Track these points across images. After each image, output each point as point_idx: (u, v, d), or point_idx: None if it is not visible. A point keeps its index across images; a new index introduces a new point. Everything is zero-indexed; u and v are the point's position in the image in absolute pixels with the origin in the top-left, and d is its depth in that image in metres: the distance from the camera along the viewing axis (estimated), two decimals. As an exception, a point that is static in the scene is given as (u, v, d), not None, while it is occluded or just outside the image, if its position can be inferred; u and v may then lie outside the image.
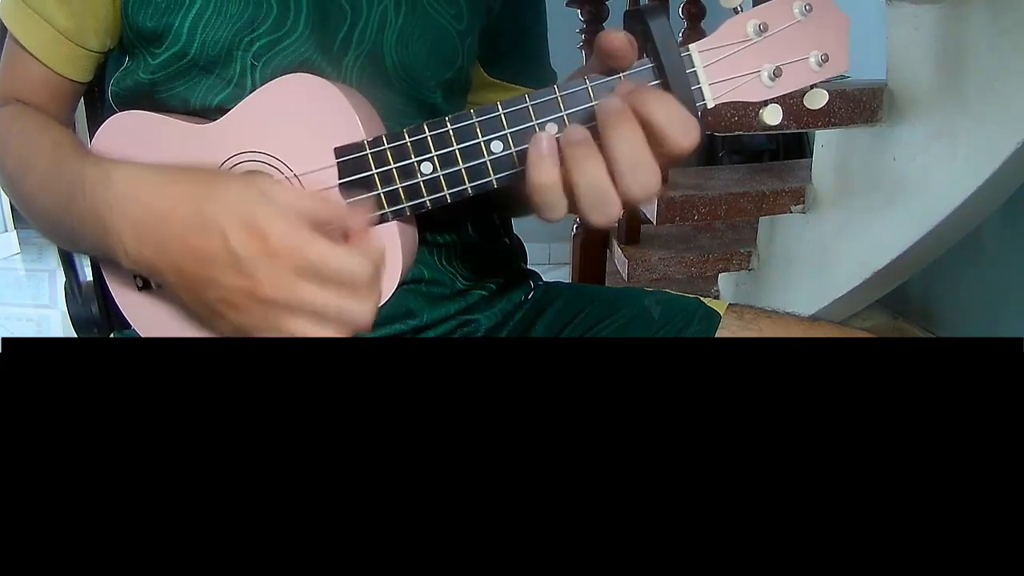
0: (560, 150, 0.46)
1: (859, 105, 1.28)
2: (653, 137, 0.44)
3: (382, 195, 0.51)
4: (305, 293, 0.46)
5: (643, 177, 0.45)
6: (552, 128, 0.48)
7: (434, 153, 0.50)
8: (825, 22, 0.47)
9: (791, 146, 2.54)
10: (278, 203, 0.46)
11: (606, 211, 0.45)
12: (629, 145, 0.44)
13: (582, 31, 1.51)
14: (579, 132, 0.46)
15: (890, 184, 1.28)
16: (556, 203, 0.46)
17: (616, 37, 0.46)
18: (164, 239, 0.47)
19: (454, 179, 0.50)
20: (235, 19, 0.56)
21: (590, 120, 0.48)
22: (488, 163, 0.50)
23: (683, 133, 0.44)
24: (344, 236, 0.48)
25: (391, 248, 0.53)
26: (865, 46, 1.11)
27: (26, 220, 0.59)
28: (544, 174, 0.46)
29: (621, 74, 0.48)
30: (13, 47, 0.60)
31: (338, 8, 0.58)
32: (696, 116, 0.47)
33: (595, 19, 1.47)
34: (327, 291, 0.46)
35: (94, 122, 0.70)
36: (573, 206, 0.46)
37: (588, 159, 0.45)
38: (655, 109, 0.44)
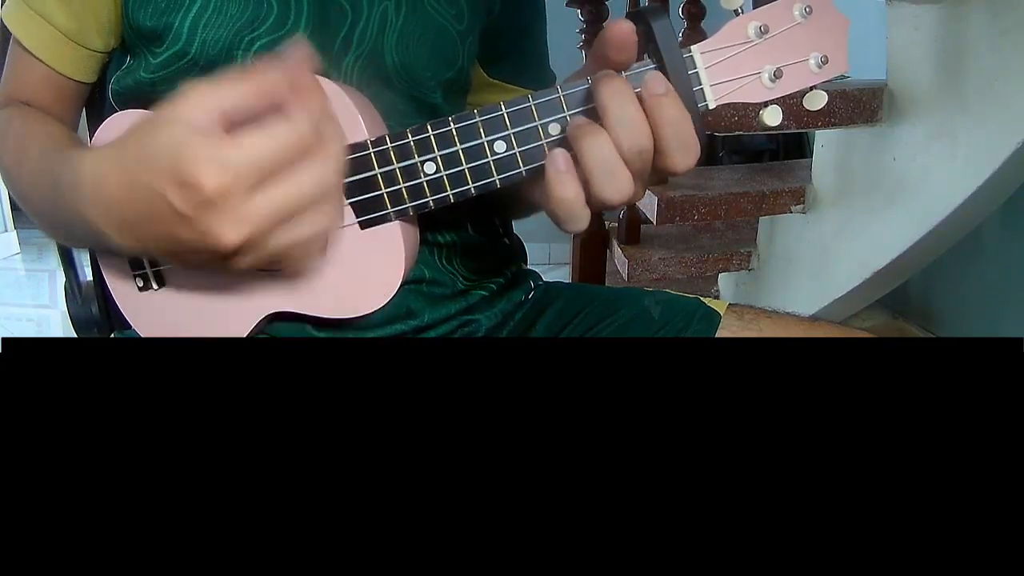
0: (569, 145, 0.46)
1: (859, 105, 1.28)
2: (655, 145, 0.45)
3: (385, 195, 0.51)
4: (263, 204, 0.42)
5: (611, 181, 0.45)
6: (555, 128, 0.48)
7: (437, 153, 0.50)
8: (825, 24, 0.47)
9: (791, 146, 2.54)
10: (194, 140, 0.41)
11: (618, 185, 0.45)
12: (598, 150, 0.45)
13: (582, 31, 1.51)
14: (578, 119, 0.47)
15: (890, 184, 1.29)
16: (579, 214, 0.46)
17: (622, 27, 0.46)
18: (130, 219, 0.45)
19: (457, 179, 0.50)
20: (235, 19, 0.56)
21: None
22: (491, 163, 0.50)
23: (683, 153, 0.45)
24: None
25: (394, 248, 0.54)
26: (865, 46, 1.11)
27: (26, 220, 0.59)
28: (565, 188, 0.45)
29: (623, 74, 0.48)
30: (16, 49, 0.60)
31: (338, 8, 0.58)
32: (698, 117, 0.47)
33: (595, 19, 1.47)
34: (281, 183, 0.42)
35: (94, 121, 0.70)
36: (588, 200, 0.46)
37: (594, 137, 0.45)
38: (666, 121, 0.45)
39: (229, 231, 0.42)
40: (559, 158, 0.45)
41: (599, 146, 0.45)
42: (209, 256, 0.44)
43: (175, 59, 0.57)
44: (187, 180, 0.41)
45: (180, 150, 0.41)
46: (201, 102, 0.42)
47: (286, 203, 0.42)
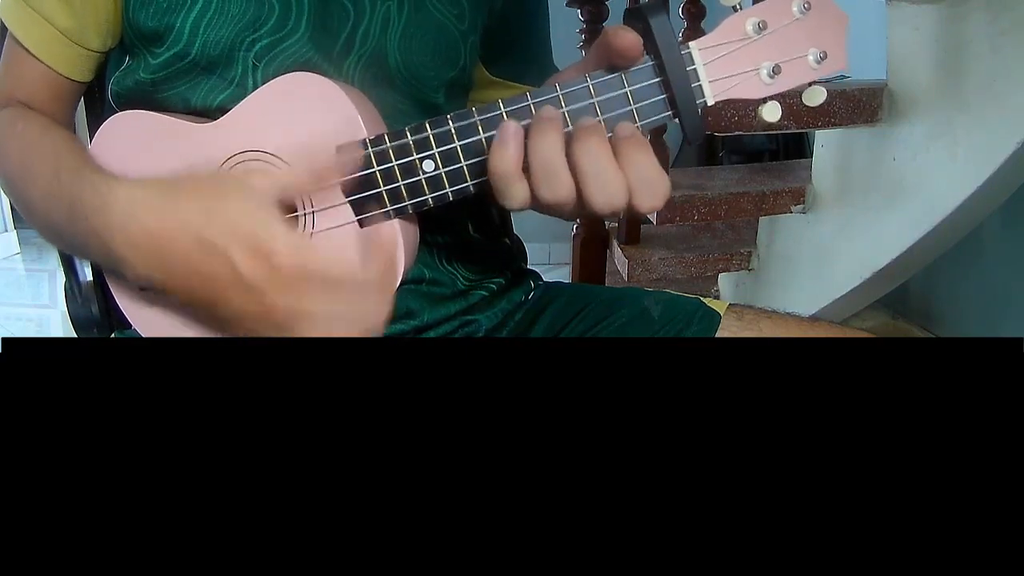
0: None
1: (859, 105, 1.28)
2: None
3: (384, 193, 0.51)
4: (316, 303, 0.46)
5: (604, 186, 0.46)
6: (510, 120, 0.48)
7: (436, 150, 0.50)
8: (823, 20, 0.47)
9: (791, 146, 2.54)
10: (275, 215, 0.46)
11: (555, 189, 0.46)
12: (593, 155, 0.45)
13: (582, 31, 1.51)
14: (547, 111, 0.47)
15: (890, 184, 1.29)
16: (515, 189, 0.47)
17: (627, 35, 0.46)
18: (169, 264, 0.47)
19: (456, 176, 0.50)
20: (237, 19, 0.56)
21: (591, 116, 0.48)
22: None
23: (649, 195, 0.46)
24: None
25: (393, 247, 0.53)
26: (865, 46, 1.11)
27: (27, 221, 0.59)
28: (502, 161, 0.47)
29: (621, 72, 0.48)
30: (14, 47, 0.60)
31: (341, 8, 0.58)
32: (698, 114, 0.47)
33: (595, 19, 1.47)
34: (336, 297, 0.46)
35: (94, 122, 0.70)
36: (533, 197, 0.47)
37: (545, 133, 0.46)
38: (631, 164, 0.46)
39: (281, 303, 0.46)
40: (508, 130, 0.47)
41: (547, 149, 0.46)
42: (241, 316, 0.47)
43: (176, 59, 0.56)
44: (261, 250, 0.45)
45: (262, 220, 0.45)
46: (272, 181, 0.47)
47: (328, 312, 0.47)
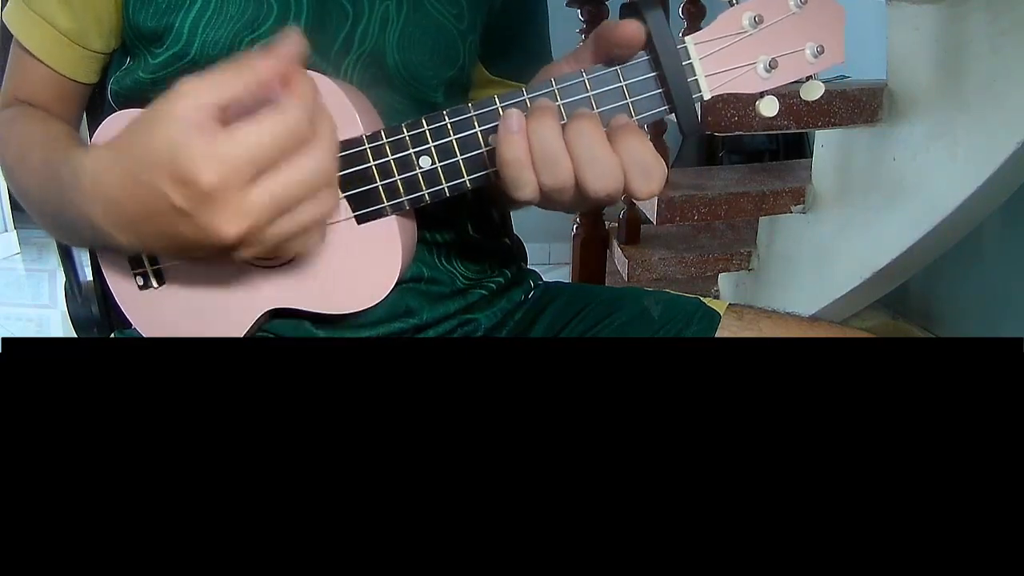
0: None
1: (859, 105, 1.28)
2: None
3: (380, 188, 0.51)
4: (263, 197, 0.43)
5: (600, 170, 0.46)
6: (512, 110, 0.48)
7: (431, 145, 0.50)
8: (820, 14, 0.47)
9: (791, 146, 2.54)
10: (189, 135, 0.42)
11: (557, 174, 0.46)
12: (587, 138, 0.46)
13: (582, 31, 1.51)
14: (542, 101, 0.48)
15: (890, 184, 1.29)
16: (526, 179, 0.47)
17: (629, 26, 0.46)
18: (129, 216, 0.45)
19: (452, 172, 0.51)
20: (236, 19, 0.56)
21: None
22: (486, 155, 0.50)
23: (644, 179, 0.47)
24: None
25: (391, 244, 0.53)
26: (865, 46, 1.11)
27: (26, 220, 0.59)
28: (513, 149, 0.46)
29: (617, 66, 0.48)
30: (18, 51, 0.60)
31: (339, 8, 0.58)
32: (694, 108, 0.47)
33: (595, 19, 1.47)
34: (278, 174, 0.43)
35: (94, 122, 0.70)
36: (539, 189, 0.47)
37: (543, 119, 0.46)
38: (625, 148, 0.46)
39: (228, 225, 0.43)
40: (513, 119, 0.47)
41: (546, 135, 0.46)
42: (210, 250, 0.44)
43: (175, 59, 0.57)
44: (185, 176, 0.41)
45: (176, 147, 0.42)
46: (194, 97, 0.43)
47: (283, 193, 0.43)
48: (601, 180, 0.46)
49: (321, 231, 0.47)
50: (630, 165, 0.46)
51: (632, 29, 0.46)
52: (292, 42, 0.44)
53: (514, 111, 0.47)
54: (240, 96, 0.43)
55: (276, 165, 0.43)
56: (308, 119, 0.43)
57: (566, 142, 0.46)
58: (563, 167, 0.46)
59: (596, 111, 0.48)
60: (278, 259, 0.54)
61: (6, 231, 3.26)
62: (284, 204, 0.44)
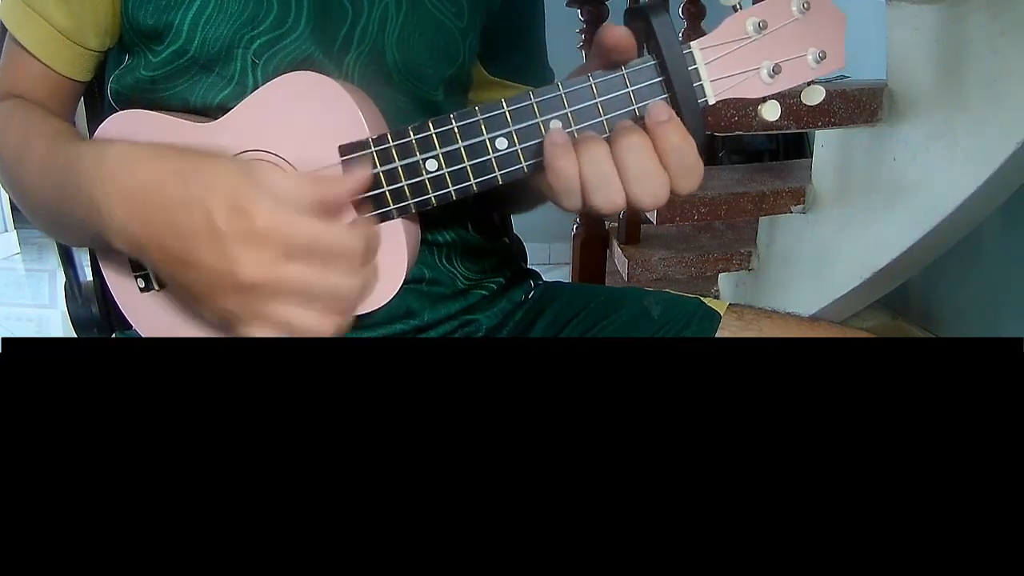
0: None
1: (859, 105, 1.28)
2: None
3: (387, 193, 0.51)
4: (291, 272, 0.45)
5: (649, 184, 0.47)
6: (557, 125, 0.49)
7: (439, 150, 0.50)
8: (822, 20, 0.48)
9: (791, 146, 2.54)
10: (267, 184, 0.45)
11: (610, 197, 0.47)
12: (636, 154, 0.46)
13: (582, 31, 1.51)
14: (588, 131, 0.48)
15: (890, 184, 1.29)
16: (574, 188, 0.47)
17: (617, 31, 0.47)
18: (150, 213, 0.46)
19: (459, 176, 0.51)
20: (236, 16, 0.56)
21: (594, 116, 0.49)
22: (493, 160, 0.50)
23: (687, 179, 0.47)
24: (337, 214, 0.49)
25: (396, 246, 0.54)
26: (865, 46, 1.11)
27: (25, 218, 0.59)
28: (562, 159, 0.47)
29: (624, 70, 0.48)
30: (12, 46, 0.60)
31: (339, 6, 0.58)
32: (699, 114, 0.47)
33: (595, 19, 1.47)
34: (313, 268, 0.46)
35: (94, 121, 0.70)
36: (584, 198, 0.48)
37: (593, 144, 0.47)
38: (669, 150, 0.46)
39: (252, 266, 0.45)
40: (556, 135, 0.47)
41: (599, 159, 0.47)
42: (208, 281, 0.46)
43: (175, 57, 0.56)
44: (244, 208, 0.44)
45: (252, 183, 0.45)
46: (290, 176, 0.48)
47: (309, 286, 0.46)
48: (651, 196, 0.47)
49: (298, 334, 0.48)
50: (677, 170, 0.47)
51: (618, 33, 0.46)
52: (366, 172, 0.49)
53: (558, 132, 0.47)
54: (311, 204, 0.47)
55: (320, 263, 0.46)
56: (366, 256, 0.48)
57: (615, 160, 0.46)
58: (617, 190, 0.47)
59: (603, 116, 0.49)
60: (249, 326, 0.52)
61: (6, 231, 3.26)
62: (301, 293, 0.46)
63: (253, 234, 0.44)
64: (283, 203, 0.45)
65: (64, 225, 0.55)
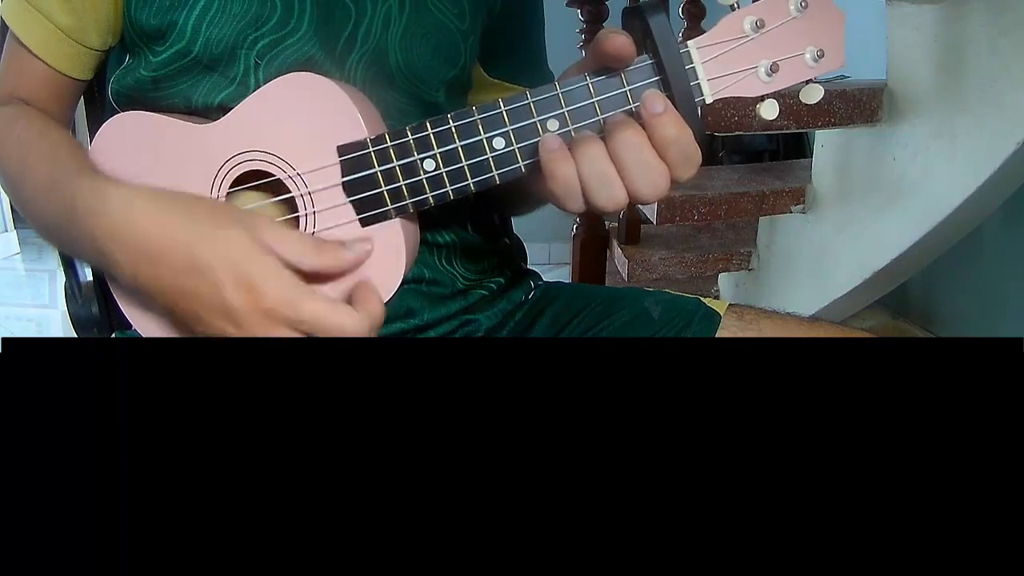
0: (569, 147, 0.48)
1: (859, 105, 1.28)
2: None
3: (385, 192, 0.52)
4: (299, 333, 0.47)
5: (648, 176, 0.46)
6: (554, 124, 0.49)
7: (436, 150, 0.50)
8: (821, 18, 0.47)
9: (791, 146, 2.54)
10: (274, 257, 0.47)
11: (612, 195, 0.47)
12: (633, 149, 0.46)
13: (582, 31, 1.51)
14: (584, 131, 0.48)
15: (890, 184, 1.29)
16: (575, 191, 0.47)
17: (618, 40, 0.46)
18: (159, 273, 0.48)
19: (456, 176, 0.51)
20: (239, 17, 0.56)
21: (590, 116, 0.49)
22: (490, 159, 0.50)
23: (683, 164, 0.47)
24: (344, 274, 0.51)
25: (395, 246, 0.54)
26: (865, 46, 1.11)
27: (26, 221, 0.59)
28: (559, 164, 0.47)
29: (621, 71, 0.48)
30: (14, 44, 0.60)
31: (342, 7, 0.58)
32: (696, 113, 0.47)
33: (595, 19, 1.47)
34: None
35: (94, 121, 0.70)
36: (585, 198, 0.48)
37: (589, 144, 0.47)
38: (669, 140, 0.46)
39: (261, 333, 0.47)
40: (550, 140, 0.47)
41: (596, 159, 0.47)
42: (217, 332, 0.48)
43: (178, 57, 0.56)
44: (253, 285, 0.46)
45: (259, 257, 0.47)
46: (296, 242, 0.49)
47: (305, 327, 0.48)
48: (652, 188, 0.47)
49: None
50: (675, 160, 0.47)
51: (619, 40, 0.46)
52: (367, 248, 0.51)
53: (552, 138, 0.48)
54: (316, 270, 0.49)
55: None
56: (369, 333, 0.49)
57: (612, 156, 0.46)
58: (618, 187, 0.47)
59: (600, 116, 0.49)
60: None
61: (6, 231, 3.25)
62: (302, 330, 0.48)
63: (261, 311, 0.47)
64: (288, 280, 0.47)
65: (66, 247, 0.57)
